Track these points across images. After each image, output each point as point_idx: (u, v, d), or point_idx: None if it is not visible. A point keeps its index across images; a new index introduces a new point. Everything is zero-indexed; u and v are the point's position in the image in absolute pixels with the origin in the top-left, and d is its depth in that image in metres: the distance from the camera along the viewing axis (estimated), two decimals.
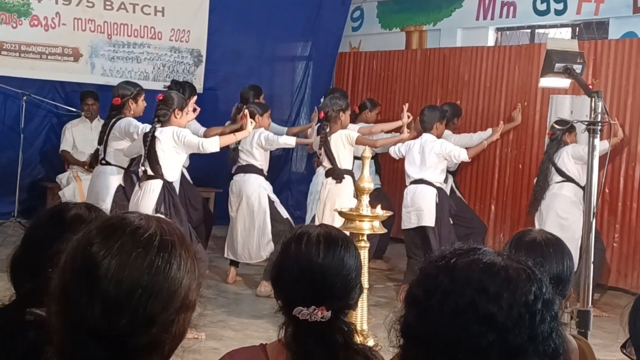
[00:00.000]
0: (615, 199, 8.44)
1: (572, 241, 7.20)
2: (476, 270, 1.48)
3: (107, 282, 1.45)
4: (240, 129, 7.73)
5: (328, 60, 12.14)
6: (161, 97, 7.14)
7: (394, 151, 8.26)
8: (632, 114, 8.46)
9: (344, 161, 7.60)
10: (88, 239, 1.51)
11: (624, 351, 1.97)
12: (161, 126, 6.98)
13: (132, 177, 7.65)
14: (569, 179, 7.96)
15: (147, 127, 7.19)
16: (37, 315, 2.14)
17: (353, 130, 7.76)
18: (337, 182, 7.61)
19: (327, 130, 7.66)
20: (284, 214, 8.14)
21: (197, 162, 9.13)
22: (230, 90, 10.72)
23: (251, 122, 7.44)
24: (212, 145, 7.10)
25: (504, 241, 9.68)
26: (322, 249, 2.41)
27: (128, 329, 1.45)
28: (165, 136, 6.97)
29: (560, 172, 8.00)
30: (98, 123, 10.03)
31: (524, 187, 9.62)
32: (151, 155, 7.02)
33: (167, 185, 7.07)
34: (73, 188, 9.73)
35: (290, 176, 11.97)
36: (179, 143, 6.96)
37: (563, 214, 7.94)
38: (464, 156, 7.94)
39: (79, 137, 9.97)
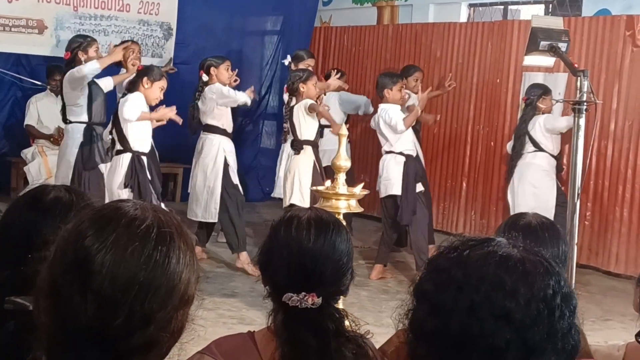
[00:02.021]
0: (587, 176, 8.43)
1: (546, 211, 7.26)
2: (491, 264, 1.40)
3: (101, 278, 1.34)
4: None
5: (301, 35, 11.98)
6: (141, 68, 7.39)
7: (372, 122, 8.31)
8: (604, 91, 8.46)
9: (304, 132, 7.60)
10: (80, 231, 1.40)
11: None
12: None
13: (94, 130, 7.63)
14: (540, 149, 7.99)
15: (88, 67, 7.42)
16: (17, 305, 2.04)
17: (309, 100, 7.70)
18: (295, 153, 7.61)
19: (293, 103, 7.70)
20: (235, 179, 8.19)
21: (165, 138, 9.00)
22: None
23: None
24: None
25: (475, 219, 9.78)
26: (313, 233, 2.33)
27: (124, 328, 1.35)
28: (123, 102, 7.20)
29: (533, 142, 8.01)
30: None
31: (495, 164, 9.61)
32: (117, 128, 7.16)
33: (136, 159, 7.15)
34: (38, 163, 9.58)
35: (259, 152, 11.87)
36: (123, 105, 7.14)
37: (536, 183, 7.97)
38: (400, 127, 7.88)
39: (44, 111, 9.77)
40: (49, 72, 9.86)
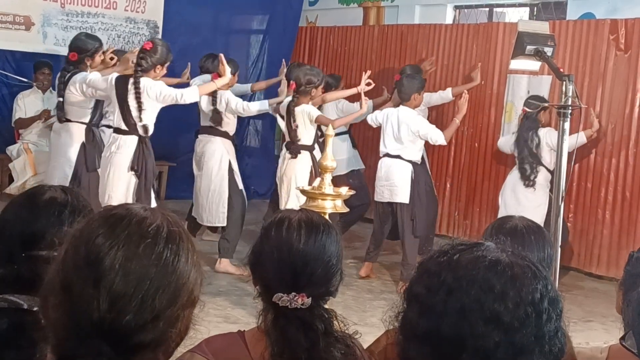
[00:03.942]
0: (571, 178, 8.50)
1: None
2: (481, 268, 1.44)
3: (114, 274, 1.39)
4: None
5: (286, 34, 12.01)
6: (151, 46, 6.78)
7: (371, 119, 8.15)
8: (588, 95, 8.53)
9: (303, 137, 7.49)
10: (91, 230, 1.44)
11: (624, 344, 1.96)
12: (140, 77, 6.70)
13: (93, 132, 7.49)
14: (540, 163, 7.96)
15: (104, 77, 6.95)
16: (11, 302, 2.07)
17: (315, 108, 7.63)
18: (292, 157, 7.52)
19: (295, 101, 7.47)
20: (240, 184, 8.10)
21: (155, 135, 8.97)
22: (185, 63, 10.56)
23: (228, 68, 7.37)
24: (192, 95, 6.95)
25: (458, 219, 9.83)
26: (304, 235, 2.37)
27: (134, 323, 1.39)
28: (140, 91, 6.71)
29: (534, 156, 7.96)
30: (50, 95, 9.85)
31: (479, 165, 9.67)
32: (124, 108, 6.75)
33: (143, 142, 6.85)
34: (23, 160, 9.57)
35: (245, 151, 11.88)
36: (154, 97, 6.74)
37: (529, 197, 8.00)
38: (441, 140, 7.82)
39: (30, 108, 9.75)
40: (37, 67, 9.84)
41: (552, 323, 1.43)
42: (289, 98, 7.66)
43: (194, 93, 7.01)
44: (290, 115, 7.49)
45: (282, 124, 7.78)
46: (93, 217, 1.48)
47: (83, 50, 7.35)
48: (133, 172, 6.82)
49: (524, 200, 7.93)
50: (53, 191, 2.27)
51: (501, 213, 7.96)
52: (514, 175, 8.13)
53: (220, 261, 7.81)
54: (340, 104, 9.15)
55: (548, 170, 7.91)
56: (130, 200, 6.66)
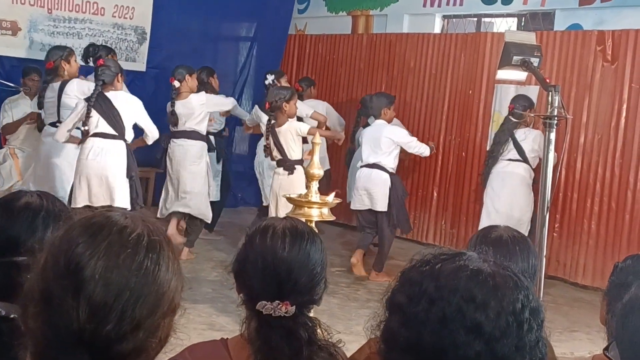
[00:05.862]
0: (557, 188, 8.53)
1: (520, 221, 7.67)
2: (463, 278, 1.44)
3: (94, 284, 1.37)
4: None
5: (275, 42, 12.02)
6: (103, 62, 7.39)
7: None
8: (575, 105, 8.56)
9: (294, 152, 7.57)
10: (71, 238, 1.43)
11: (608, 354, 1.96)
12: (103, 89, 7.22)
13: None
14: (525, 159, 8.10)
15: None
16: None
17: (304, 124, 7.83)
18: (289, 174, 7.56)
19: (274, 121, 7.58)
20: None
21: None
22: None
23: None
24: (154, 133, 7.57)
25: (445, 228, 9.85)
26: (288, 243, 2.37)
27: (114, 333, 1.38)
28: (123, 100, 7.29)
29: (520, 151, 8.12)
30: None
31: (466, 174, 9.69)
32: (110, 115, 7.17)
33: (128, 148, 7.29)
34: (9, 165, 9.50)
35: (231, 157, 11.84)
36: (139, 115, 7.36)
37: (516, 193, 8.10)
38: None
39: (17, 114, 9.68)
40: (25, 73, 9.78)
41: (533, 333, 1.43)
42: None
43: (155, 132, 7.61)
44: (274, 135, 7.57)
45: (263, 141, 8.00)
46: (73, 225, 1.47)
47: (56, 57, 8.10)
48: (129, 178, 7.28)
49: (511, 196, 8.10)
50: (29, 197, 2.26)
51: (486, 211, 8.14)
52: (500, 175, 8.23)
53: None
54: (330, 109, 9.67)
55: (531, 167, 8.16)
56: (128, 205, 7.12)
